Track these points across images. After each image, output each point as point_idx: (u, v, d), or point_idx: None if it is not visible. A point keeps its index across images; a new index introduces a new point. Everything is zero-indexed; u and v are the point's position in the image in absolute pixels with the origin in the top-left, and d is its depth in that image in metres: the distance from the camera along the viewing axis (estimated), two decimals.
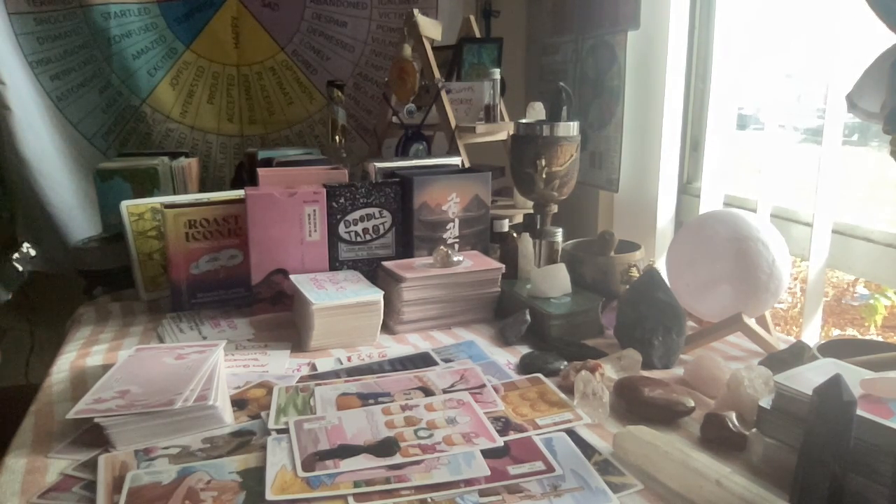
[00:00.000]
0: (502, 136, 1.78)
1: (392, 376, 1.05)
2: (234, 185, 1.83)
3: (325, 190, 1.31)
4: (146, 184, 1.58)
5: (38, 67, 1.90)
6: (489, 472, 0.78)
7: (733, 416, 0.86)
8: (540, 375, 1.05)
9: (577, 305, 1.24)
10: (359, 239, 1.36)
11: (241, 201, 1.31)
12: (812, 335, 1.31)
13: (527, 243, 1.41)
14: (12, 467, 0.81)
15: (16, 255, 1.09)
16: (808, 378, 0.78)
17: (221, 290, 1.38)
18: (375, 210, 1.36)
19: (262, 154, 1.70)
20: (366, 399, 0.96)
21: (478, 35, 1.95)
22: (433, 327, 1.29)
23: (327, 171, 1.45)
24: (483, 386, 1.00)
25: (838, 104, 1.20)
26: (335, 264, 1.34)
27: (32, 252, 1.12)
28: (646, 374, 1.04)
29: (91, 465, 0.80)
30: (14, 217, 1.95)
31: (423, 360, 1.12)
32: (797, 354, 1.00)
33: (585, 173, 1.85)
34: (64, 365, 1.12)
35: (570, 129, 1.39)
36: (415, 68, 1.72)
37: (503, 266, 1.34)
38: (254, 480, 0.77)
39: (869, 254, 1.24)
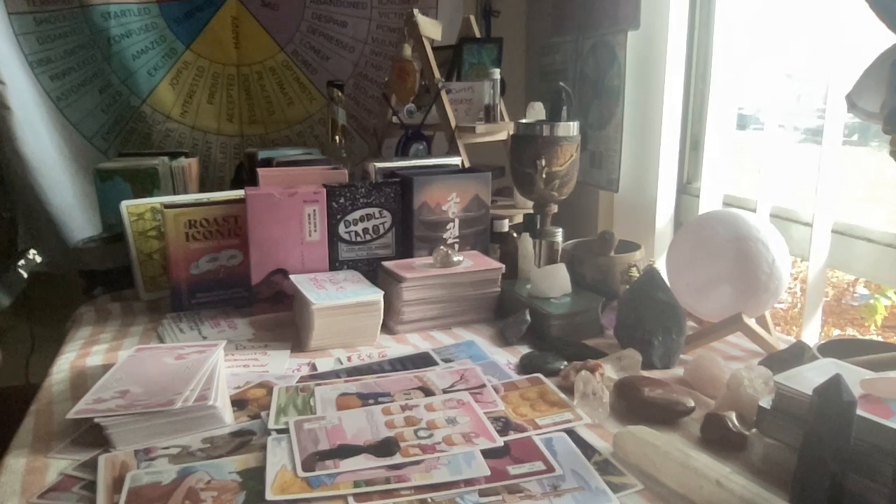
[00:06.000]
0: (502, 136, 1.78)
1: (392, 376, 1.05)
2: (234, 185, 1.83)
3: (325, 190, 1.31)
4: (146, 184, 1.58)
5: (38, 67, 1.90)
6: (489, 472, 0.78)
7: (733, 416, 0.86)
8: (540, 375, 1.05)
9: (577, 305, 1.24)
10: (359, 239, 1.36)
11: (241, 201, 1.31)
12: (812, 335, 1.31)
13: (527, 243, 1.41)
14: (12, 467, 0.81)
15: (21, 262, 1.09)
16: (808, 378, 0.78)
17: (221, 290, 1.38)
18: (375, 210, 1.36)
19: (262, 154, 1.70)
20: (366, 399, 0.96)
21: (478, 35, 1.95)
22: (433, 327, 1.29)
23: (327, 171, 1.45)
24: (483, 386, 1.00)
25: (838, 104, 1.20)
26: (335, 264, 1.34)
27: (38, 258, 1.12)
28: (646, 374, 1.04)
29: (91, 465, 0.80)
30: (14, 217, 1.95)
31: (423, 360, 1.12)
32: (797, 354, 1.00)
33: (585, 173, 1.85)
34: (64, 365, 1.12)
35: (570, 129, 1.39)
36: (415, 68, 1.72)
37: (503, 266, 1.34)
38: (254, 480, 0.77)
39: (869, 254, 1.24)
